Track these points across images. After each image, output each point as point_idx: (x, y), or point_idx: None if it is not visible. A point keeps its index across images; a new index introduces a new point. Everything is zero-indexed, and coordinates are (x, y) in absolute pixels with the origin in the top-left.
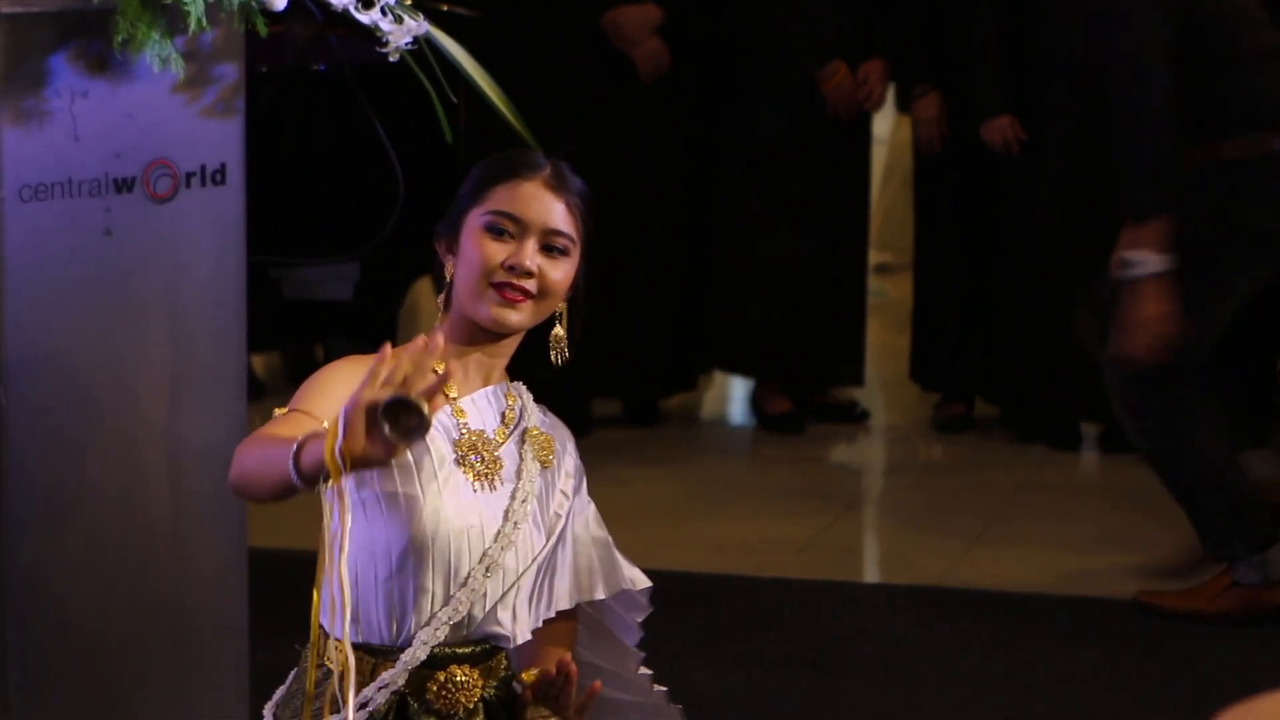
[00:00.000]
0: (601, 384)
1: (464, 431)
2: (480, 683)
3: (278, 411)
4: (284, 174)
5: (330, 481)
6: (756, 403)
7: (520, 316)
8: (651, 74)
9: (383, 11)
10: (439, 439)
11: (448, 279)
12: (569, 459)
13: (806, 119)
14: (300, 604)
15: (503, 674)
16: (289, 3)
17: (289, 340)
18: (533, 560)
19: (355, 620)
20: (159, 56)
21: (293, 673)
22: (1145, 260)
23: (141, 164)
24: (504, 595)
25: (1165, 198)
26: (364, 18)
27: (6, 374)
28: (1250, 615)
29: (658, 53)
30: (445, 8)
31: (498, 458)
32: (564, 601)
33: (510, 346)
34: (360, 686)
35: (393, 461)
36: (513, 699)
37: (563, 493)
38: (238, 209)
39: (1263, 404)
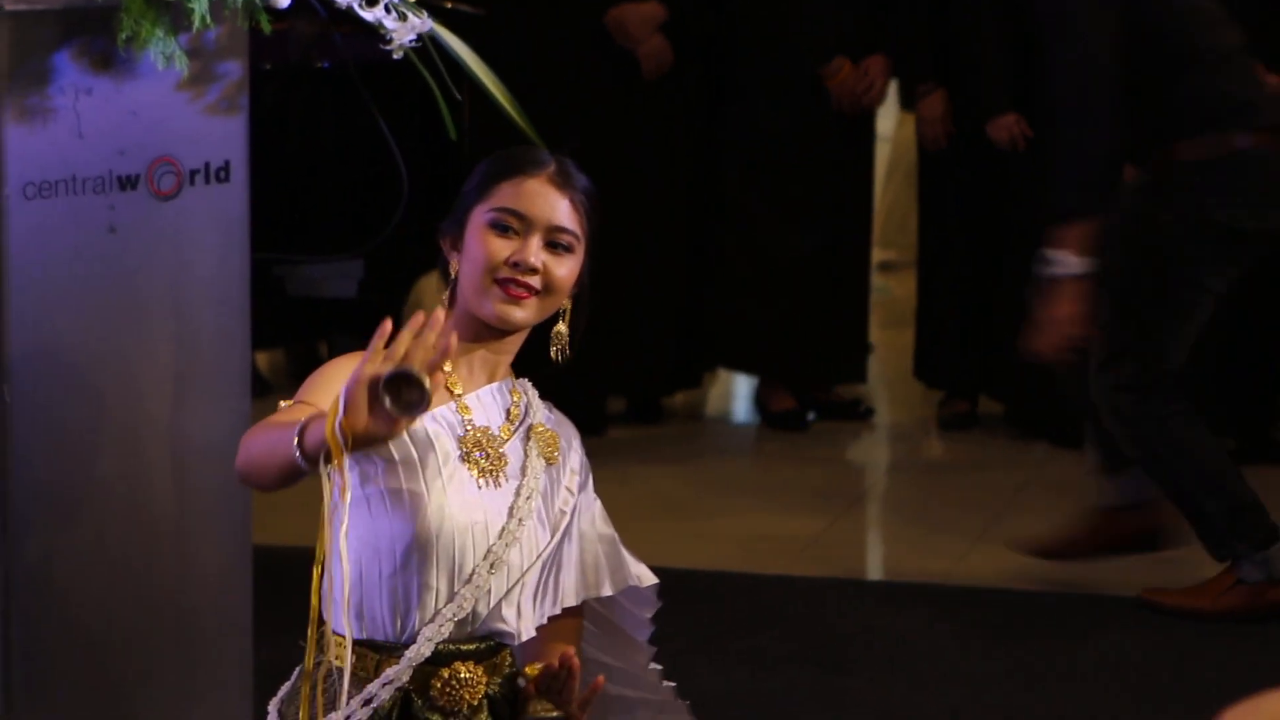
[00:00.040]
0: (606, 382)
1: (469, 428)
2: (484, 680)
3: (283, 404)
4: (288, 171)
5: (332, 461)
6: (760, 400)
7: (525, 313)
8: (654, 71)
9: (387, 9)
10: (444, 435)
11: (452, 276)
12: (574, 455)
13: (809, 116)
14: (305, 601)
15: (507, 671)
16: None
17: (293, 337)
18: (537, 557)
19: (360, 617)
20: (163, 54)
21: (298, 669)
22: (1065, 260)
23: (145, 161)
24: (508, 592)
25: (1093, 201)
26: (368, 15)
27: (11, 372)
28: (1254, 613)
29: (660, 50)
30: (449, 4)
31: (502, 454)
32: (570, 598)
33: (515, 343)
34: (365, 683)
35: (397, 458)
36: (517, 696)
37: (568, 489)
38: (242, 206)
39: None
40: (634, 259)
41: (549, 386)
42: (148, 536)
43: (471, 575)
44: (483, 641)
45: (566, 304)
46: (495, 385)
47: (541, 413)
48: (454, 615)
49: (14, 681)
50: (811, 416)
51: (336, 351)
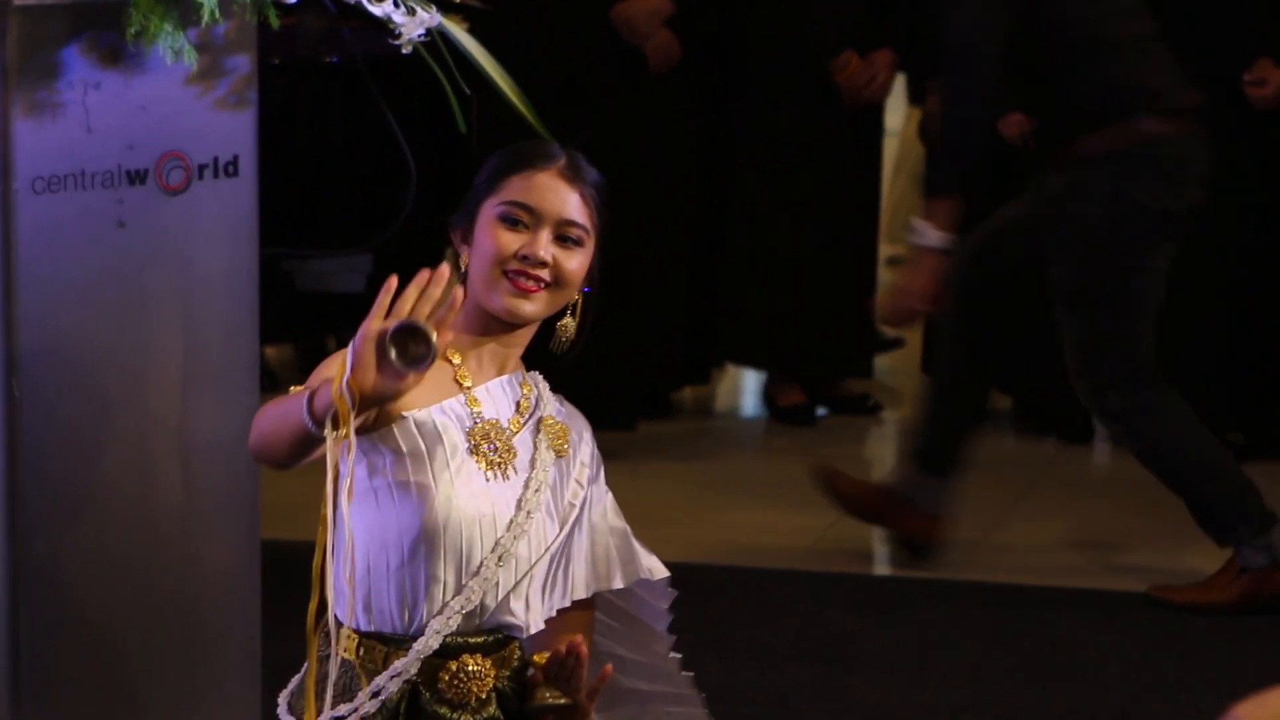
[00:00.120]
0: (614, 376)
1: (477, 420)
2: (493, 672)
3: (294, 390)
4: (297, 166)
5: (340, 428)
6: (769, 395)
7: (534, 307)
8: (662, 66)
9: (395, 4)
10: (452, 428)
11: (462, 269)
12: (585, 448)
13: (818, 111)
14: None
15: (515, 664)
16: None
17: (302, 332)
18: (545, 550)
19: (368, 610)
20: (172, 48)
21: (306, 664)
22: (927, 233)
23: (154, 156)
24: (517, 585)
25: (960, 181)
26: (377, 10)
27: (19, 366)
28: (1261, 599)
29: (667, 45)
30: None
31: (512, 447)
32: (580, 590)
33: (525, 336)
34: (372, 675)
35: (405, 450)
36: (525, 689)
37: (577, 482)
38: (250, 201)
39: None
40: (642, 254)
41: (579, 380)
42: (156, 532)
43: (479, 568)
44: (491, 634)
45: (576, 298)
46: (505, 378)
47: (552, 405)
48: (462, 608)
49: (22, 677)
50: (820, 411)
51: (345, 347)
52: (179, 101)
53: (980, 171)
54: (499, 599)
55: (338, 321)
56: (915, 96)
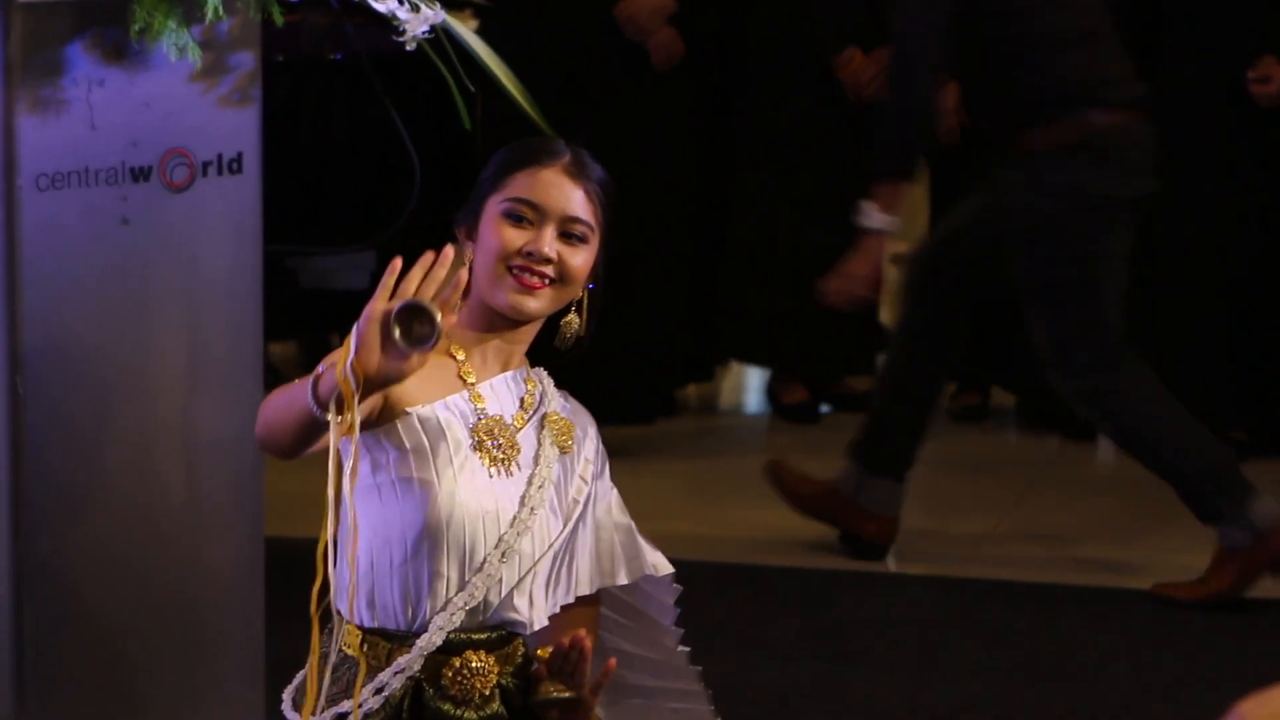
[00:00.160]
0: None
1: (481, 416)
2: (496, 669)
3: (298, 383)
4: (301, 163)
5: (344, 411)
6: (772, 392)
7: (539, 303)
8: (665, 63)
9: (399, 0)
10: (455, 425)
11: (467, 266)
12: (589, 444)
13: (820, 109)
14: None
15: (519, 660)
16: None
17: (305, 329)
18: (549, 546)
19: (371, 606)
20: (176, 45)
21: (309, 665)
22: (872, 216)
23: (158, 153)
24: (520, 581)
25: (906, 165)
26: (381, 6)
27: (23, 363)
28: (1257, 573)
29: (671, 42)
30: None
31: (515, 443)
32: (584, 587)
33: (529, 333)
34: (376, 671)
35: (408, 446)
36: (529, 684)
37: (581, 478)
38: (254, 198)
39: None
40: (645, 252)
41: (582, 377)
42: (159, 529)
43: (483, 564)
44: (494, 630)
45: (580, 294)
46: (509, 374)
47: (556, 401)
48: (465, 604)
49: (26, 674)
50: (824, 409)
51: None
52: (183, 98)
53: (918, 158)
54: (502, 595)
55: (342, 319)
56: None
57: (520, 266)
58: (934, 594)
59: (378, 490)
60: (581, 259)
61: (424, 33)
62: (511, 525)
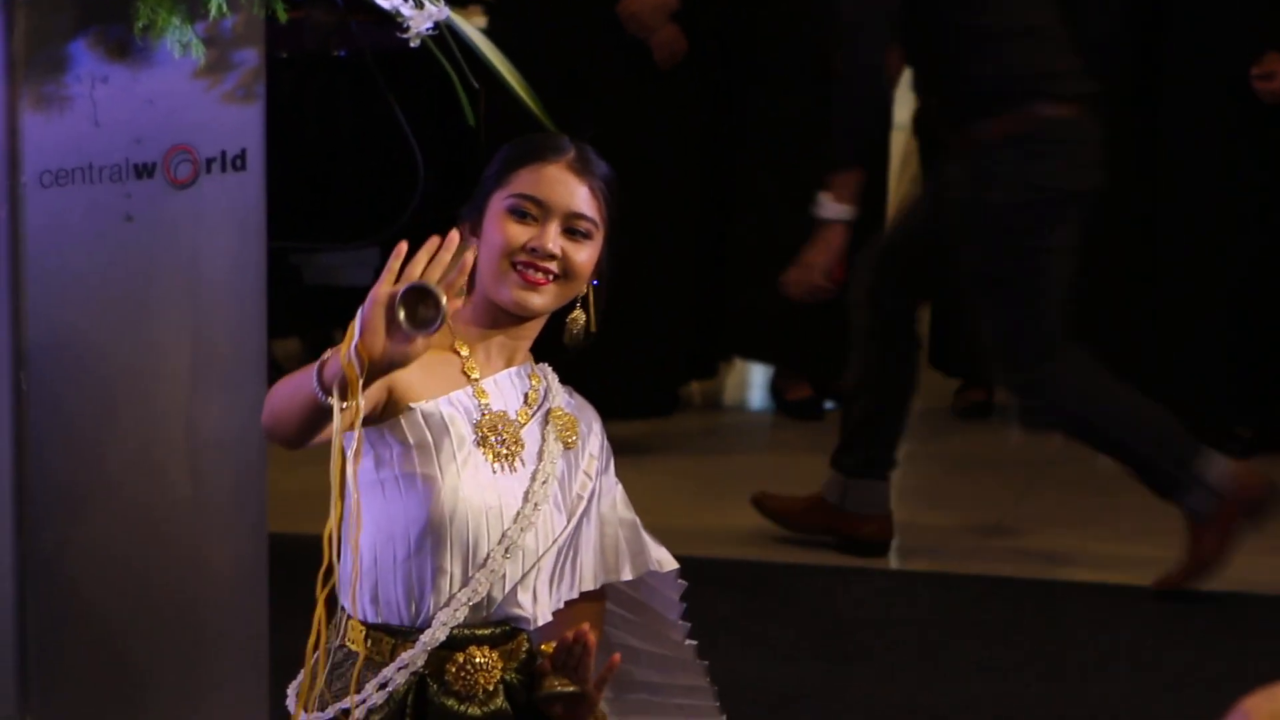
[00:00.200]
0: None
1: (485, 412)
2: (500, 664)
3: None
4: (305, 160)
5: (349, 396)
6: (776, 389)
7: (543, 299)
8: (668, 61)
9: None
10: (459, 420)
11: (472, 261)
12: (594, 440)
13: (824, 105)
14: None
15: (523, 656)
16: None
17: (309, 326)
18: (553, 542)
19: (375, 601)
20: (179, 42)
21: (315, 656)
22: (829, 206)
23: (162, 149)
24: (524, 577)
25: (857, 154)
26: (385, 3)
27: (27, 360)
28: (1233, 534)
29: (674, 39)
30: None
31: (519, 439)
32: (589, 582)
33: (534, 329)
34: (379, 667)
35: (412, 442)
36: (533, 679)
37: (586, 474)
38: (258, 194)
39: None
40: (649, 248)
41: (585, 374)
42: (162, 526)
43: (486, 560)
44: (498, 626)
45: (585, 290)
46: (513, 370)
47: (561, 397)
48: (468, 599)
49: (29, 671)
50: (828, 405)
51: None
52: (187, 95)
53: (869, 145)
54: (506, 591)
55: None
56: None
57: (524, 262)
58: (935, 591)
59: (381, 486)
60: (585, 255)
61: (428, 29)
62: (515, 521)
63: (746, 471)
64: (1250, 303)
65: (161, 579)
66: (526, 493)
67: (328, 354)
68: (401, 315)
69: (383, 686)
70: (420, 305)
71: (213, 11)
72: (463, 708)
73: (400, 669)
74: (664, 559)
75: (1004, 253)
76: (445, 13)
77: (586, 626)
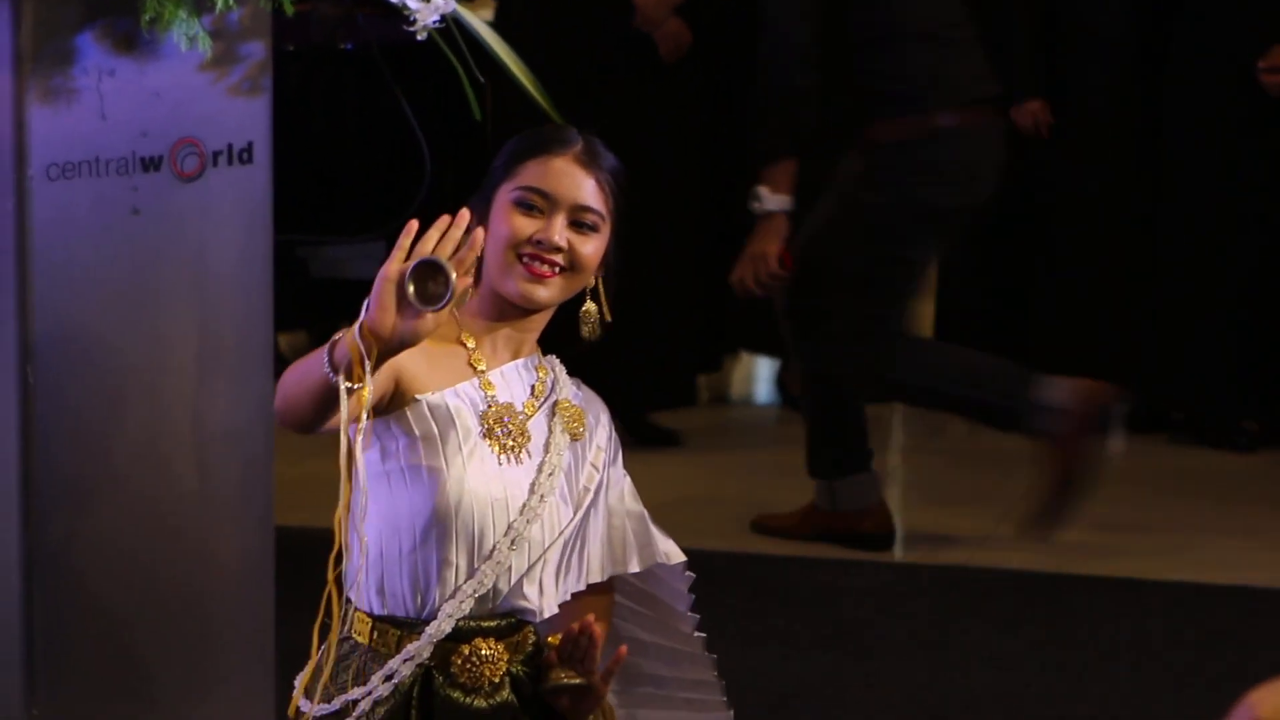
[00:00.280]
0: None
1: (491, 404)
2: (506, 656)
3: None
4: (311, 152)
5: (353, 375)
6: (782, 382)
7: (548, 292)
8: (673, 54)
9: None
10: (465, 412)
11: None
12: (601, 431)
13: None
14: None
15: (529, 649)
16: None
17: (316, 319)
18: (559, 534)
19: (381, 593)
20: (186, 35)
21: (322, 647)
22: (766, 197)
23: (168, 143)
24: (530, 569)
25: (787, 144)
26: None
27: (33, 353)
28: (1087, 447)
29: (678, 32)
30: None
31: (526, 431)
32: (596, 574)
33: (540, 321)
34: (385, 659)
35: (418, 434)
36: (539, 674)
37: (593, 465)
38: (265, 188)
39: None
40: (653, 242)
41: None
42: (168, 519)
43: (492, 551)
44: (504, 618)
45: (592, 282)
46: (520, 362)
47: (568, 389)
48: (474, 591)
49: (36, 664)
50: None
51: None
52: (193, 88)
53: (803, 134)
54: (512, 583)
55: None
56: None
57: (530, 255)
58: (942, 585)
59: (387, 478)
60: (592, 247)
61: (434, 22)
62: (521, 513)
63: (751, 465)
64: (1253, 299)
65: (168, 571)
66: (532, 485)
67: (338, 335)
68: (411, 290)
69: (388, 678)
70: (430, 281)
71: (219, 4)
72: (468, 700)
73: (406, 661)
74: (672, 551)
75: (861, 250)
76: (452, 6)
77: (592, 618)
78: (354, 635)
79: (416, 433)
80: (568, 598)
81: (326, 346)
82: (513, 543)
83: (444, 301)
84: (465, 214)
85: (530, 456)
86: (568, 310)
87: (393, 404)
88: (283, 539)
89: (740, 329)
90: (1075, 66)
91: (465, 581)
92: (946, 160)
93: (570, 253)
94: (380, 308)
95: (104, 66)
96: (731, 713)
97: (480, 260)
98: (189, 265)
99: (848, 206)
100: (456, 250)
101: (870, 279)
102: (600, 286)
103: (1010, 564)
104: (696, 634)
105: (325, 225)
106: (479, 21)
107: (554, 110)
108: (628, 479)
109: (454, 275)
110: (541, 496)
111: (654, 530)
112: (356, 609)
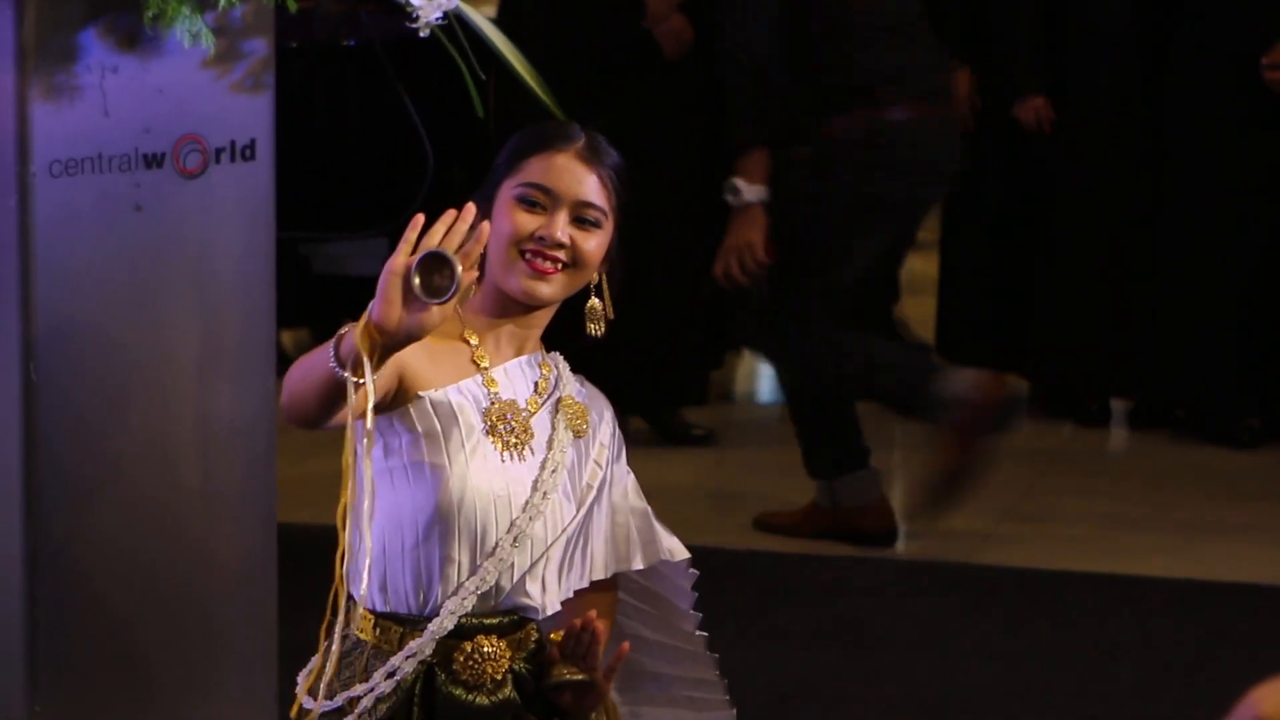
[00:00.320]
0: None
1: (494, 401)
2: (508, 654)
3: (321, 347)
4: (314, 149)
5: (358, 369)
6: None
7: (551, 289)
8: (676, 50)
9: None
10: (468, 409)
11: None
12: (605, 428)
13: None
14: (330, 578)
15: (531, 646)
16: None
17: (318, 316)
18: (562, 531)
19: (383, 590)
20: (189, 31)
21: (325, 644)
22: (742, 189)
23: (171, 139)
24: (532, 566)
25: (760, 134)
26: None
27: (36, 350)
28: (978, 441)
29: (681, 29)
30: None
31: (529, 427)
32: (599, 571)
33: (544, 318)
34: (388, 656)
35: (420, 430)
36: (542, 671)
37: (596, 463)
38: (267, 184)
39: None
40: (655, 239)
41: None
42: (171, 516)
43: (494, 548)
44: (506, 615)
45: (596, 278)
46: (523, 358)
47: (572, 386)
48: (476, 588)
49: (38, 663)
50: None
51: None
52: (196, 85)
53: (774, 125)
54: (514, 580)
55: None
56: None
57: (533, 251)
58: (945, 581)
59: (390, 474)
60: (594, 244)
61: (437, 19)
62: (524, 510)
63: (754, 462)
64: (1254, 298)
65: (170, 570)
66: (535, 481)
67: (344, 329)
68: (417, 283)
69: (391, 675)
70: (436, 274)
71: (222, 1)
72: (471, 697)
73: (408, 658)
74: (675, 548)
75: (803, 242)
76: (454, 2)
77: (594, 614)
78: (356, 632)
79: (419, 429)
80: (570, 595)
81: (332, 341)
82: (515, 540)
83: (449, 294)
84: (471, 208)
85: (533, 453)
86: (571, 307)
87: (396, 400)
88: (285, 537)
89: None
90: (1076, 66)
91: (468, 578)
92: (895, 155)
93: (573, 249)
94: (386, 300)
95: (107, 63)
96: (734, 711)
97: (483, 256)
98: (191, 262)
99: (792, 196)
100: (462, 244)
101: (811, 269)
102: (604, 283)
103: (1012, 561)
104: (698, 633)
105: (328, 222)
106: (481, 18)
107: (556, 107)
108: (631, 476)
109: (459, 268)
110: (544, 493)
111: (658, 527)
112: (359, 606)
